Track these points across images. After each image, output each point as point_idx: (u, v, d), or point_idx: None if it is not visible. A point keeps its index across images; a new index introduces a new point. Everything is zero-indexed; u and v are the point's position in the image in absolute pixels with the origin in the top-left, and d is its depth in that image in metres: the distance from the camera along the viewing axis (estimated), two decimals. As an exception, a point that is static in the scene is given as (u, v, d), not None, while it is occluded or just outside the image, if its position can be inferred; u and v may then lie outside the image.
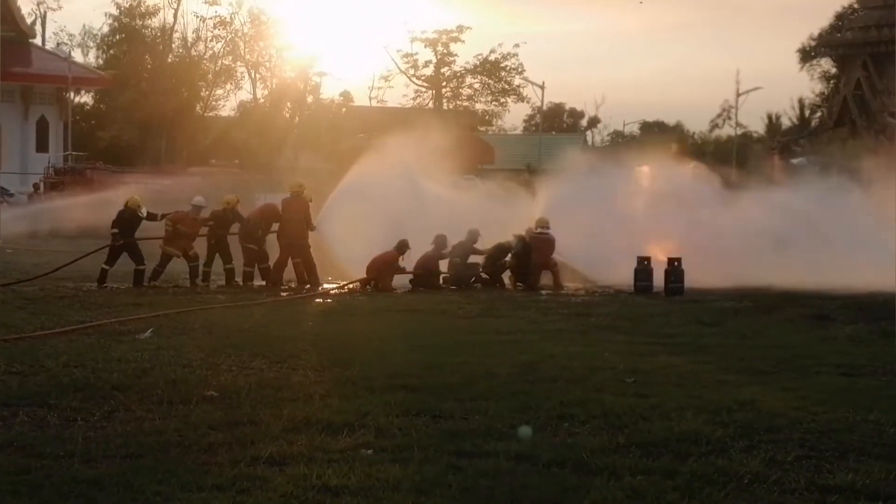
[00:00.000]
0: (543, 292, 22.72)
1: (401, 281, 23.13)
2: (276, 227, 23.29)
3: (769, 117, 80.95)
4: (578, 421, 9.55)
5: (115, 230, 22.37)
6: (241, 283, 22.70)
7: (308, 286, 22.57)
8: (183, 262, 22.84)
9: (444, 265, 23.72)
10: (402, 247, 22.73)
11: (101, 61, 69.91)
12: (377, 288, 22.47)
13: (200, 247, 23.11)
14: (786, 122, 79.10)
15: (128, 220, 22.46)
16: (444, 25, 67.59)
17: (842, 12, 68.08)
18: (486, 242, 24.16)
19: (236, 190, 29.71)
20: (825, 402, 10.46)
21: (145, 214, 22.76)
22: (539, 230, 23.94)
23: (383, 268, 22.69)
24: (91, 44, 72.20)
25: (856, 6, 63.66)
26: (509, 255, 24.20)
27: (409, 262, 23.03)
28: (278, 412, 9.67)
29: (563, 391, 10.91)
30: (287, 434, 8.93)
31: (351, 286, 22.75)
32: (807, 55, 72.64)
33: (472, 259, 24.19)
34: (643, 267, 22.49)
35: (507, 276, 24.28)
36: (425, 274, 23.13)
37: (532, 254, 23.84)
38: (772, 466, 8.24)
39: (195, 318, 16.80)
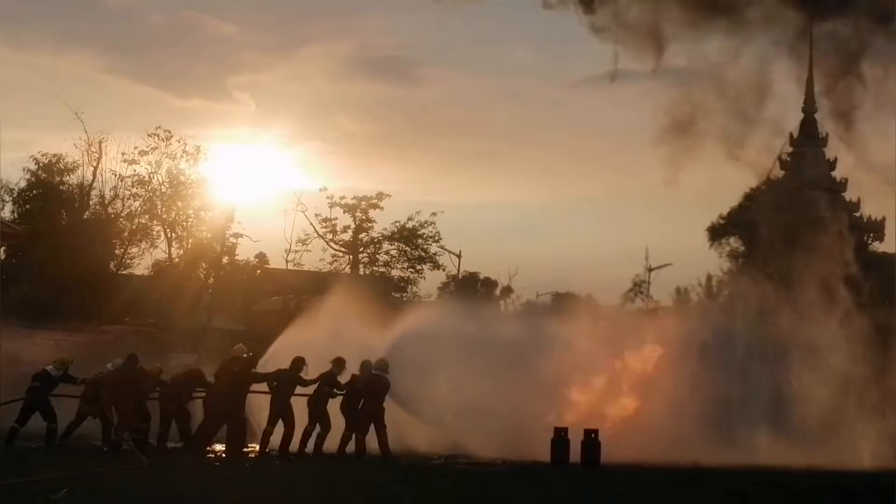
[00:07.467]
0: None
1: None
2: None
3: (677, 291, 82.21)
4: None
5: (37, 384, 22.01)
6: (154, 445, 22.35)
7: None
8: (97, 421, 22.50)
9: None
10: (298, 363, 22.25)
11: (15, 215, 69.48)
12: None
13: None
14: (694, 297, 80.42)
15: (49, 378, 22.14)
16: (364, 192, 67.98)
17: (750, 193, 69.96)
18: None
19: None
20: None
21: (61, 375, 22.34)
22: (375, 372, 22.45)
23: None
24: (7, 198, 71.85)
25: (764, 187, 65.60)
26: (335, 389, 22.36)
27: None
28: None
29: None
30: None
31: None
32: (716, 233, 74.32)
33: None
34: (560, 437, 22.56)
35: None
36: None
37: (362, 399, 22.21)
38: None
39: (111, 479, 16.55)
